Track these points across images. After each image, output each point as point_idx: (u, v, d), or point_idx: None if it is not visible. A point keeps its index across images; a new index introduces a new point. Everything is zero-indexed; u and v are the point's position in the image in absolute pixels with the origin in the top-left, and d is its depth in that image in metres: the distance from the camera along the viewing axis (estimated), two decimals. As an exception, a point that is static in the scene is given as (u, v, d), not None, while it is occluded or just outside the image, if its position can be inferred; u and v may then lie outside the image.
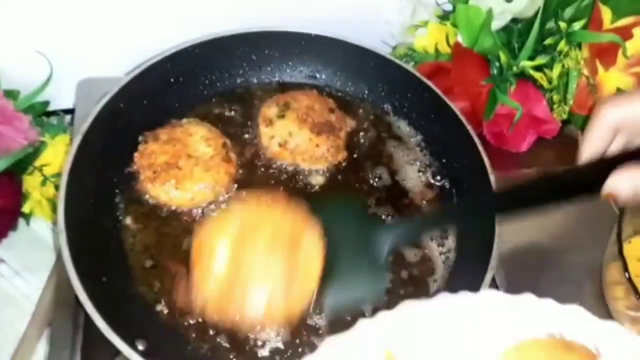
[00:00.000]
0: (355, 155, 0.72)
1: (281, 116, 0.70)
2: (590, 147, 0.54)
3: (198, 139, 0.66)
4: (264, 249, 0.55)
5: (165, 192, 0.62)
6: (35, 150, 0.78)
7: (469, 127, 0.69)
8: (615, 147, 0.54)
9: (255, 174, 0.68)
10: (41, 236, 0.78)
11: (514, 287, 0.68)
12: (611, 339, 0.47)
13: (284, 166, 0.69)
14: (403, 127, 0.76)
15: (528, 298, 0.49)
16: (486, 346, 0.47)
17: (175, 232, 0.62)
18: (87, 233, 0.57)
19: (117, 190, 0.63)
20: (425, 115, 0.75)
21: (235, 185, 0.66)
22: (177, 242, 0.61)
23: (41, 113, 0.80)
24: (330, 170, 0.70)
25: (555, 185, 0.55)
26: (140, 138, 0.66)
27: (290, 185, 0.68)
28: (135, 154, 0.64)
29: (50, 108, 0.82)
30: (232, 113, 0.73)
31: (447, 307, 0.48)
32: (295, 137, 0.69)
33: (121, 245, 0.60)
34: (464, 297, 0.48)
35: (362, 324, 0.46)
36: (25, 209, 0.77)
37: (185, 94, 0.71)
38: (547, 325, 0.47)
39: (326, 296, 0.56)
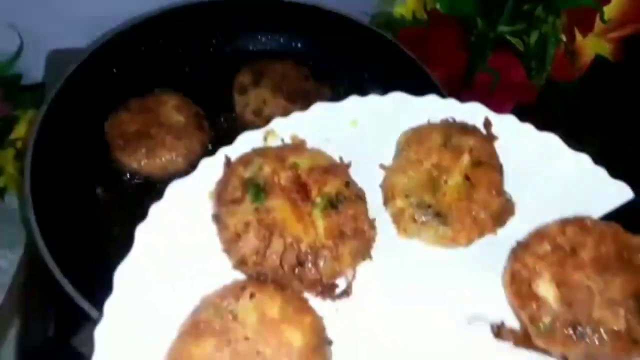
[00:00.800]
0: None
1: (255, 84, 0.69)
2: None
3: (170, 107, 0.65)
4: None
5: (137, 161, 0.61)
6: (8, 124, 0.77)
7: (446, 95, 0.68)
8: None
9: (228, 144, 0.67)
10: (15, 211, 0.78)
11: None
12: (508, 128, 0.50)
13: None
14: (379, 94, 0.75)
15: (431, 98, 0.51)
16: (386, 135, 0.49)
17: (147, 202, 0.61)
18: (56, 203, 0.56)
19: (87, 160, 0.62)
20: (402, 83, 0.73)
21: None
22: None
23: (13, 87, 0.79)
24: None
25: None
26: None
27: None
28: (106, 123, 0.63)
29: (23, 82, 0.81)
30: (206, 82, 0.71)
31: (355, 107, 0.50)
32: (270, 105, 0.68)
33: (91, 215, 0.59)
34: (372, 99, 0.51)
35: (275, 122, 0.49)
36: (-1, 183, 0.77)
37: (156, 63, 0.70)
38: (444, 115, 0.50)
39: None
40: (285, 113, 0.65)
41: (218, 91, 0.70)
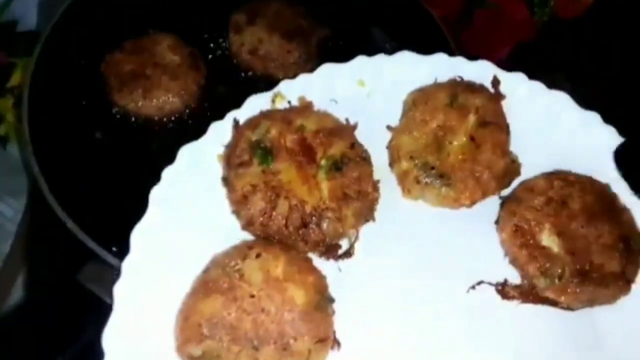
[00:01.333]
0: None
1: (251, 23, 0.67)
2: None
3: (165, 47, 0.64)
4: None
5: (134, 102, 0.61)
6: (5, 72, 0.76)
7: (446, 33, 0.67)
8: None
9: (225, 84, 0.66)
10: (19, 160, 0.79)
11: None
12: (517, 86, 0.49)
13: (255, 74, 0.67)
14: (379, 35, 0.73)
15: (439, 56, 0.51)
16: (394, 95, 0.49)
17: (146, 142, 0.61)
18: (56, 146, 0.56)
19: (84, 102, 0.61)
20: (402, 23, 0.72)
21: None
22: (148, 151, 0.60)
23: (8, 34, 0.78)
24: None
25: None
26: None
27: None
28: (102, 64, 0.62)
29: (18, 30, 0.79)
30: (200, 23, 0.70)
31: (362, 67, 0.50)
32: (266, 43, 0.66)
33: (91, 156, 0.59)
34: (379, 59, 0.50)
35: (283, 83, 0.49)
36: (1, 131, 0.77)
37: (150, 5, 0.68)
38: (453, 74, 0.50)
39: None
40: (282, 51, 0.66)
41: (213, 31, 0.68)
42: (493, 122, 0.46)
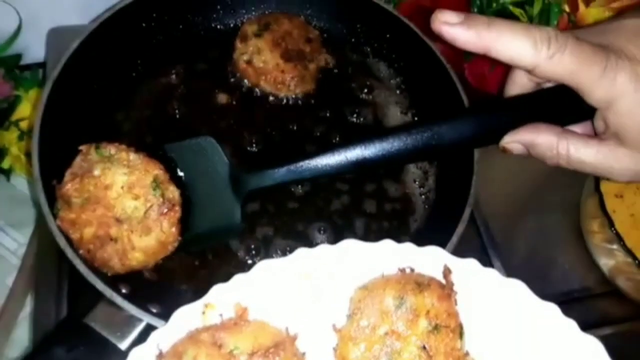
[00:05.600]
0: (324, 91, 0.71)
1: (258, 35, 0.69)
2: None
3: (119, 191, 0.52)
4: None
5: (111, 268, 0.52)
6: (11, 104, 0.77)
7: (449, 68, 0.68)
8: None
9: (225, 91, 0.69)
10: (22, 192, 0.79)
11: (493, 223, 0.70)
12: (470, 276, 0.46)
13: (245, 82, 0.70)
14: (383, 69, 0.75)
15: (387, 244, 0.47)
16: (339, 291, 0.46)
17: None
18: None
19: (93, 139, 0.62)
20: (405, 56, 0.74)
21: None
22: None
23: (14, 66, 0.79)
24: (291, 99, 0.69)
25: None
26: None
27: (247, 100, 0.69)
28: (57, 222, 0.52)
29: (24, 61, 0.80)
30: (207, 57, 0.71)
31: (302, 261, 0.46)
32: (263, 57, 0.68)
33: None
34: (322, 250, 0.47)
35: (215, 289, 0.44)
36: (4, 164, 0.77)
37: (157, 38, 0.70)
38: (400, 264, 0.46)
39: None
40: (277, 69, 0.67)
41: (219, 69, 0.70)
42: (445, 326, 0.43)
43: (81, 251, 0.51)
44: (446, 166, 0.66)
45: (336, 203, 0.64)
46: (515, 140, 0.51)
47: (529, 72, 0.50)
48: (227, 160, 0.56)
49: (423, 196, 0.66)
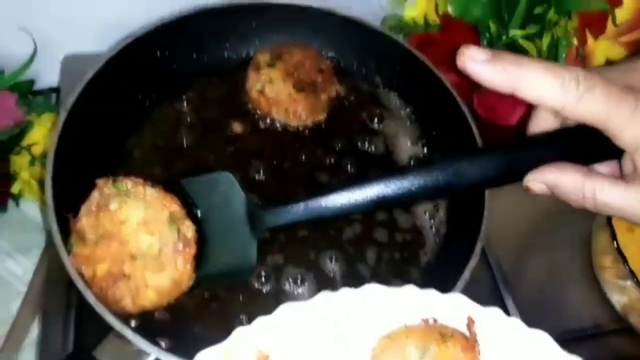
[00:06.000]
0: (335, 121, 0.71)
1: (271, 65, 0.69)
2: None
3: (135, 227, 0.51)
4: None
5: (122, 309, 0.51)
6: (22, 129, 0.77)
7: (459, 99, 0.68)
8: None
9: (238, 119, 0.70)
10: (31, 217, 0.78)
11: (504, 258, 0.69)
12: (492, 324, 0.45)
13: (257, 112, 0.70)
14: (393, 99, 0.75)
15: (409, 289, 0.46)
16: (361, 340, 0.44)
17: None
18: (77, 212, 0.56)
19: (108, 173, 0.62)
20: (415, 87, 0.74)
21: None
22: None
23: (27, 92, 0.79)
24: (302, 128, 0.70)
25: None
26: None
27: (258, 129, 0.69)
28: (70, 258, 0.51)
29: (36, 87, 0.81)
30: (220, 85, 0.72)
31: (326, 306, 0.45)
32: (276, 87, 0.68)
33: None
34: (344, 294, 0.45)
35: (237, 332, 0.43)
36: (14, 189, 0.77)
37: (172, 68, 0.70)
38: (423, 313, 0.45)
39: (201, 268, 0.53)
40: (289, 99, 0.68)
41: (230, 96, 0.71)
42: None
43: (93, 290, 0.50)
44: (457, 199, 0.66)
45: (348, 231, 0.64)
46: (539, 180, 0.49)
47: (556, 112, 0.48)
48: (244, 196, 0.55)
49: (433, 228, 0.66)
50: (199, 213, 0.54)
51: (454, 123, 0.68)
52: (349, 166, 0.69)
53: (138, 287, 0.50)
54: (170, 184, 0.54)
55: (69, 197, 0.54)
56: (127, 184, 0.53)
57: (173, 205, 0.52)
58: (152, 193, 0.52)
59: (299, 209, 0.52)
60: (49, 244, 0.71)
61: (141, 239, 0.50)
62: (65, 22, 0.76)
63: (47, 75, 0.79)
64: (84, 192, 0.54)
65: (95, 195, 0.53)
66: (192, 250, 0.52)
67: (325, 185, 0.67)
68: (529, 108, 0.80)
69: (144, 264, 0.50)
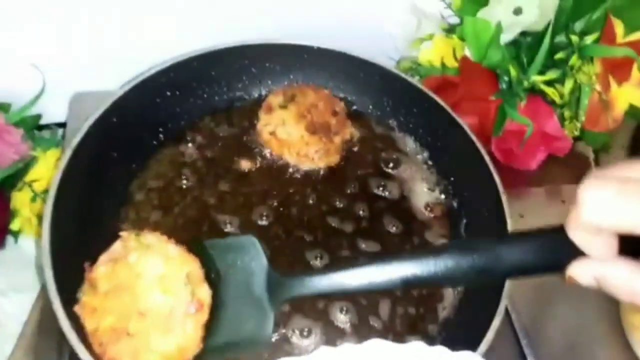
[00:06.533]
0: (349, 165, 0.69)
1: (283, 107, 0.68)
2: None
3: (150, 282, 0.49)
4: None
5: None
6: (26, 165, 0.75)
7: (478, 144, 0.66)
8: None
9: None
10: (29, 255, 0.75)
11: (526, 315, 0.65)
12: None
13: (268, 154, 0.69)
14: (409, 143, 0.73)
15: (417, 346, 0.43)
16: None
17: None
18: (75, 259, 0.53)
19: (109, 213, 0.60)
20: (432, 131, 0.72)
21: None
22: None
23: (33, 127, 0.78)
24: (314, 171, 0.68)
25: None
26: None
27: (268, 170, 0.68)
28: (76, 307, 0.50)
29: (43, 122, 0.79)
30: (231, 126, 0.70)
31: None
32: (288, 129, 0.67)
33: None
34: (346, 350, 0.43)
35: None
36: (14, 226, 0.74)
37: (182, 108, 0.69)
38: None
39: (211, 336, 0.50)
40: (301, 141, 0.66)
41: (241, 136, 0.69)
42: None
43: (93, 343, 0.47)
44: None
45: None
46: (586, 271, 0.44)
47: None
48: (267, 263, 0.53)
49: (452, 281, 0.62)
50: (218, 276, 0.52)
51: (473, 168, 0.66)
52: (361, 211, 0.66)
53: (140, 348, 0.47)
54: (194, 244, 0.53)
55: (67, 242, 0.51)
56: (151, 238, 0.51)
57: (193, 265, 0.50)
58: (173, 250, 0.50)
59: (322, 282, 0.49)
60: (44, 286, 0.68)
61: (154, 295, 0.48)
62: (75, 58, 0.75)
63: (55, 110, 0.78)
64: (83, 236, 0.52)
65: (117, 246, 0.51)
66: (204, 315, 0.49)
67: (339, 232, 0.64)
68: (550, 153, 0.78)
69: (152, 323, 0.47)
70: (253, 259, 0.53)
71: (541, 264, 0.46)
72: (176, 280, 0.49)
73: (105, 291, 0.49)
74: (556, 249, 0.45)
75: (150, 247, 0.50)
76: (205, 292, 0.50)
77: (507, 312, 0.64)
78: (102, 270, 0.49)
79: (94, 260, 0.52)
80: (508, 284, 0.54)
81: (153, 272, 0.49)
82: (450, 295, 0.61)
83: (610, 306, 0.67)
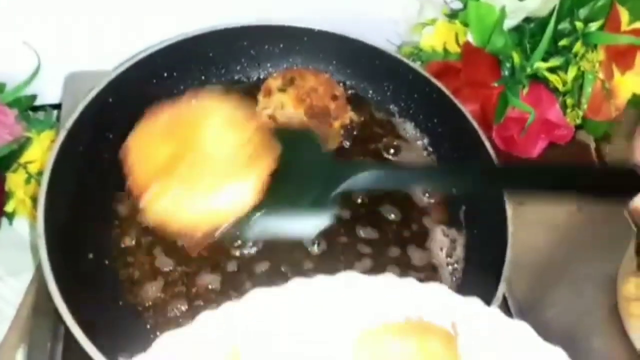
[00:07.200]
0: (348, 150, 0.68)
1: (282, 90, 0.67)
2: None
3: (218, 120, 0.49)
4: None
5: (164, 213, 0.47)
6: (20, 146, 0.74)
7: (479, 131, 0.65)
8: None
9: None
10: (24, 237, 0.75)
11: (524, 300, 0.65)
12: (471, 317, 0.44)
13: None
14: (409, 128, 0.72)
15: (390, 280, 0.45)
16: (341, 332, 0.43)
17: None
18: (70, 240, 0.52)
19: (104, 194, 0.59)
20: (432, 117, 0.71)
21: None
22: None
23: (27, 107, 0.77)
24: None
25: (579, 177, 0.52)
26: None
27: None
28: (124, 145, 0.50)
29: (38, 102, 0.78)
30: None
31: (301, 295, 0.43)
32: (287, 113, 0.66)
33: (108, 254, 0.56)
34: (321, 281, 0.44)
35: (204, 317, 0.41)
36: (8, 208, 0.74)
37: (178, 90, 0.68)
38: (405, 308, 0.44)
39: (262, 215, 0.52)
40: (300, 125, 0.64)
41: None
42: None
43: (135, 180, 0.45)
44: (476, 235, 0.62)
45: (357, 267, 0.60)
46: None
47: None
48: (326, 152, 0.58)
49: (450, 267, 0.61)
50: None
51: (474, 155, 0.65)
52: (359, 199, 0.65)
53: (189, 192, 0.43)
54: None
55: (62, 224, 0.51)
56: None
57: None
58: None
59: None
60: (39, 268, 0.67)
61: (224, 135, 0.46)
62: (70, 38, 0.74)
63: (50, 91, 0.77)
64: (78, 218, 0.51)
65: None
66: (269, 167, 0.47)
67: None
68: (551, 141, 0.78)
69: (211, 164, 0.44)
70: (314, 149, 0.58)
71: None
72: (245, 127, 0.48)
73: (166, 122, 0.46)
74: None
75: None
76: (274, 146, 0.50)
77: (504, 299, 0.64)
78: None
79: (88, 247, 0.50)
80: (506, 269, 0.54)
81: (221, 114, 0.48)
82: (447, 281, 0.60)
83: (607, 294, 0.67)
